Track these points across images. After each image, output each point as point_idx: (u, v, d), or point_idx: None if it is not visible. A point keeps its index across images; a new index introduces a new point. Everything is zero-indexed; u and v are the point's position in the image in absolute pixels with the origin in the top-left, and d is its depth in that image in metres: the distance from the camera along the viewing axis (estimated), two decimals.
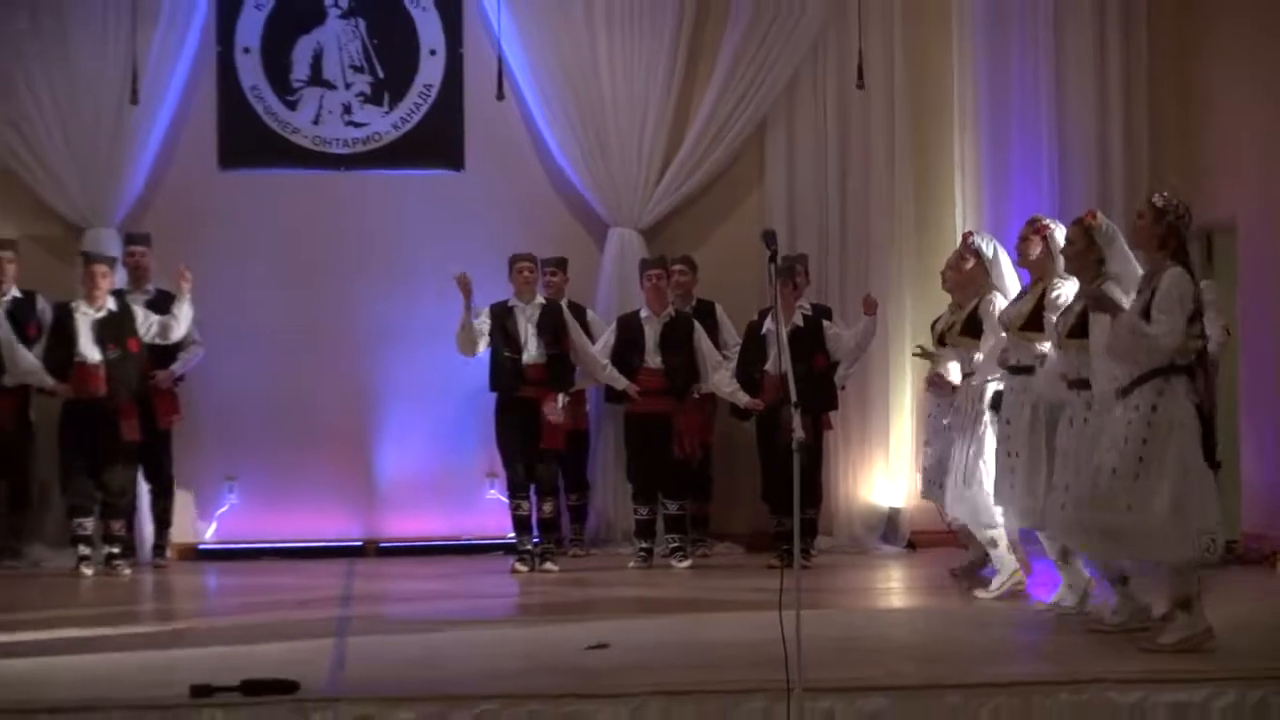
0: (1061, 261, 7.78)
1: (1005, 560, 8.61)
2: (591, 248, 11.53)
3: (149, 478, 10.75)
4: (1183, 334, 6.65)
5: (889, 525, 11.42)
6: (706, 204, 11.67)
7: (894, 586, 9.92)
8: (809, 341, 10.17)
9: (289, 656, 6.76)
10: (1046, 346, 7.78)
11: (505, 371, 10.20)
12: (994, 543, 8.62)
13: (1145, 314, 6.71)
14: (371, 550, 11.24)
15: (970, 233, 9.24)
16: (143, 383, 10.41)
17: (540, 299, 10.38)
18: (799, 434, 5.71)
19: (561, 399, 10.26)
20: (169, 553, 10.90)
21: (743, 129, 11.54)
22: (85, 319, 10.25)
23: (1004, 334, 8.17)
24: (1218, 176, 10.94)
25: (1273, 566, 9.72)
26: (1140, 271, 7.11)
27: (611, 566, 10.53)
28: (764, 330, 10.37)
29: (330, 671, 6.47)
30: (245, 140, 11.40)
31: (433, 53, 11.55)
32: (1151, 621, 7.20)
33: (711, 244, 11.50)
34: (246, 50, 11.41)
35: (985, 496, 8.43)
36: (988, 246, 8.78)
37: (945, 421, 9.21)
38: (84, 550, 10.28)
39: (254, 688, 5.88)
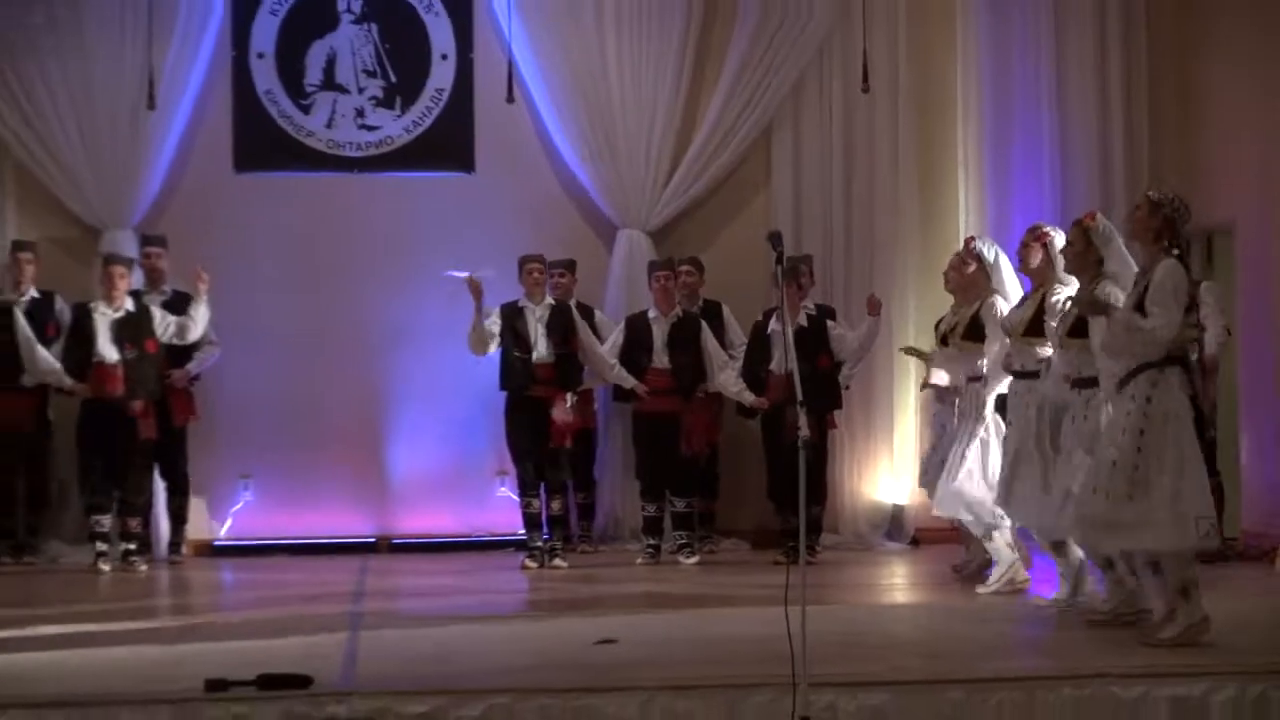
0: (1061, 267, 7.78)
1: (1003, 554, 8.61)
2: (600, 249, 11.53)
3: (165, 476, 10.77)
4: (1179, 325, 6.64)
5: (893, 522, 11.42)
6: (713, 206, 11.67)
7: (898, 582, 9.91)
8: (813, 341, 10.17)
9: (303, 651, 6.76)
10: (1049, 351, 7.78)
11: (515, 371, 10.21)
12: (989, 536, 8.62)
13: (1139, 306, 6.71)
14: (384, 547, 11.25)
15: (972, 237, 9.25)
16: (159, 382, 10.42)
17: (549, 300, 10.38)
18: (804, 433, 5.70)
19: (570, 398, 10.27)
20: (185, 549, 10.92)
21: (749, 132, 11.54)
22: (104, 319, 10.26)
23: (1007, 340, 8.16)
24: (1217, 177, 10.91)
25: (1272, 563, 9.70)
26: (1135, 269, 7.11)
27: (620, 563, 10.52)
28: (769, 330, 10.36)
29: (343, 666, 6.46)
30: (260, 143, 11.42)
31: (444, 57, 11.56)
32: (1143, 609, 7.20)
33: (718, 245, 11.50)
34: (261, 55, 11.43)
35: (976, 493, 8.44)
36: (989, 251, 8.78)
37: (944, 424, 9.22)
38: (101, 547, 10.29)
39: (268, 682, 5.87)
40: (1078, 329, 7.28)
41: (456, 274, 10.14)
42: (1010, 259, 8.65)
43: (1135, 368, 6.71)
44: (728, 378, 10.43)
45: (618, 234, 11.50)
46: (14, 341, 10.22)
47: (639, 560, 10.46)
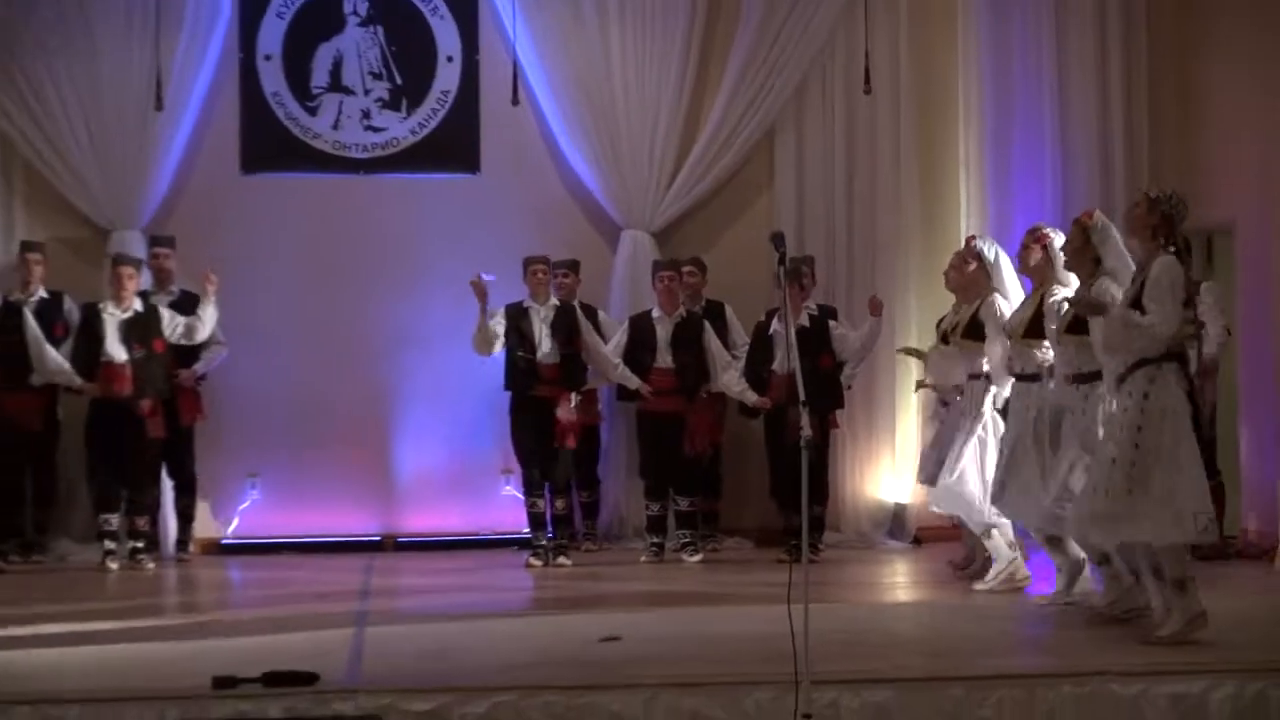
0: (1060, 268, 7.79)
1: (1001, 553, 8.61)
2: (604, 249, 11.53)
3: (172, 474, 10.78)
4: (1178, 320, 6.63)
5: (895, 521, 11.41)
6: (716, 206, 11.67)
7: (899, 581, 9.90)
8: (815, 341, 10.17)
9: (309, 648, 6.76)
10: (1049, 354, 7.79)
11: (520, 371, 10.21)
12: (988, 534, 8.62)
13: (1136, 303, 6.71)
14: (389, 545, 11.25)
15: (973, 236, 9.25)
16: (167, 382, 10.43)
17: (554, 300, 10.39)
18: (807, 432, 5.70)
19: (574, 398, 10.27)
20: (192, 547, 10.93)
21: (753, 133, 11.54)
22: (112, 319, 10.28)
23: (1008, 341, 8.16)
24: (1217, 176, 10.89)
25: (1272, 562, 9.69)
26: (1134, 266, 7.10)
27: (624, 561, 10.52)
28: (771, 330, 10.37)
29: (349, 663, 6.47)
30: (266, 145, 11.43)
31: (450, 59, 11.57)
32: (1137, 607, 7.21)
33: (721, 246, 11.50)
34: (268, 57, 11.44)
35: (972, 491, 8.44)
36: (989, 250, 8.78)
37: (943, 421, 9.23)
38: (109, 545, 10.30)
39: (275, 679, 5.88)
40: (1076, 325, 7.28)
41: (488, 277, 10.14)
42: (1011, 259, 8.65)
43: (1133, 364, 6.71)
44: (730, 378, 10.43)
45: (621, 234, 11.50)
46: (23, 341, 10.23)
47: (643, 558, 10.47)
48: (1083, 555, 7.89)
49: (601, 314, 11.10)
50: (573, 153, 11.50)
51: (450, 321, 10.70)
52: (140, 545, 10.33)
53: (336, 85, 11.50)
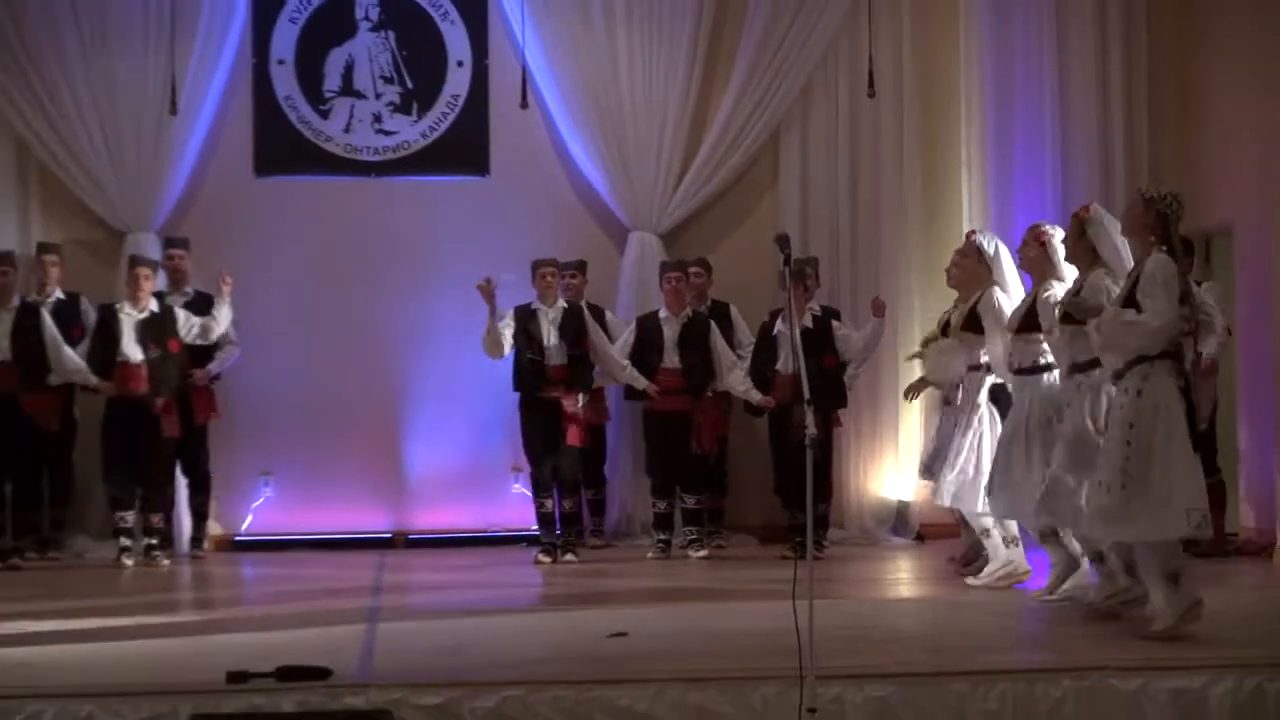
0: (1059, 264, 7.79)
1: (999, 551, 8.60)
2: (612, 251, 11.53)
3: (186, 472, 10.79)
4: (1173, 316, 6.62)
5: (898, 518, 11.41)
6: (722, 208, 11.67)
7: (903, 577, 9.90)
8: (819, 341, 10.16)
9: (321, 644, 6.77)
10: (1047, 351, 7.79)
11: (528, 373, 10.22)
12: (987, 533, 8.62)
13: (1130, 301, 6.71)
14: (401, 542, 11.26)
15: (973, 231, 9.26)
16: (182, 381, 10.45)
17: (562, 302, 10.40)
18: (812, 431, 5.70)
19: (581, 398, 10.29)
20: (206, 544, 10.94)
21: (758, 135, 11.54)
22: (129, 320, 10.30)
23: (1009, 336, 8.16)
24: (1217, 177, 10.86)
25: (1270, 559, 9.69)
26: (1131, 262, 7.10)
27: (631, 558, 10.53)
28: (775, 331, 10.37)
29: (361, 658, 6.48)
30: (280, 148, 11.44)
31: (460, 64, 11.57)
32: (1129, 600, 7.22)
33: (726, 247, 11.50)
34: (281, 62, 11.45)
35: (976, 486, 8.45)
36: (989, 244, 8.78)
37: (940, 415, 9.24)
38: (125, 542, 10.32)
39: (288, 674, 5.89)
40: (1071, 315, 7.30)
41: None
42: (1013, 255, 8.64)
43: (1129, 361, 6.71)
44: (735, 377, 10.44)
45: (629, 236, 11.51)
46: (41, 342, 10.24)
47: (650, 555, 10.47)
48: (1079, 552, 7.87)
49: (609, 314, 11.10)
50: (581, 155, 11.50)
51: (461, 321, 10.71)
52: (155, 542, 10.35)
53: (348, 89, 11.51)
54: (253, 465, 11.25)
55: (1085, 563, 7.92)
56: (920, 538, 11.24)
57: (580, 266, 10.91)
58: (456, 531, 11.26)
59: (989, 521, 8.58)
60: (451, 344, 11.03)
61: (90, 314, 10.63)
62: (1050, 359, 7.85)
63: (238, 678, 5.85)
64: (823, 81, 11.60)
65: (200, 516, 10.90)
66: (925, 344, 10.07)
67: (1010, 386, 8.40)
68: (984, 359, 8.63)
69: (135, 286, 10.31)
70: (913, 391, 10.04)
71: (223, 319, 10.54)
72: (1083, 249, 7.40)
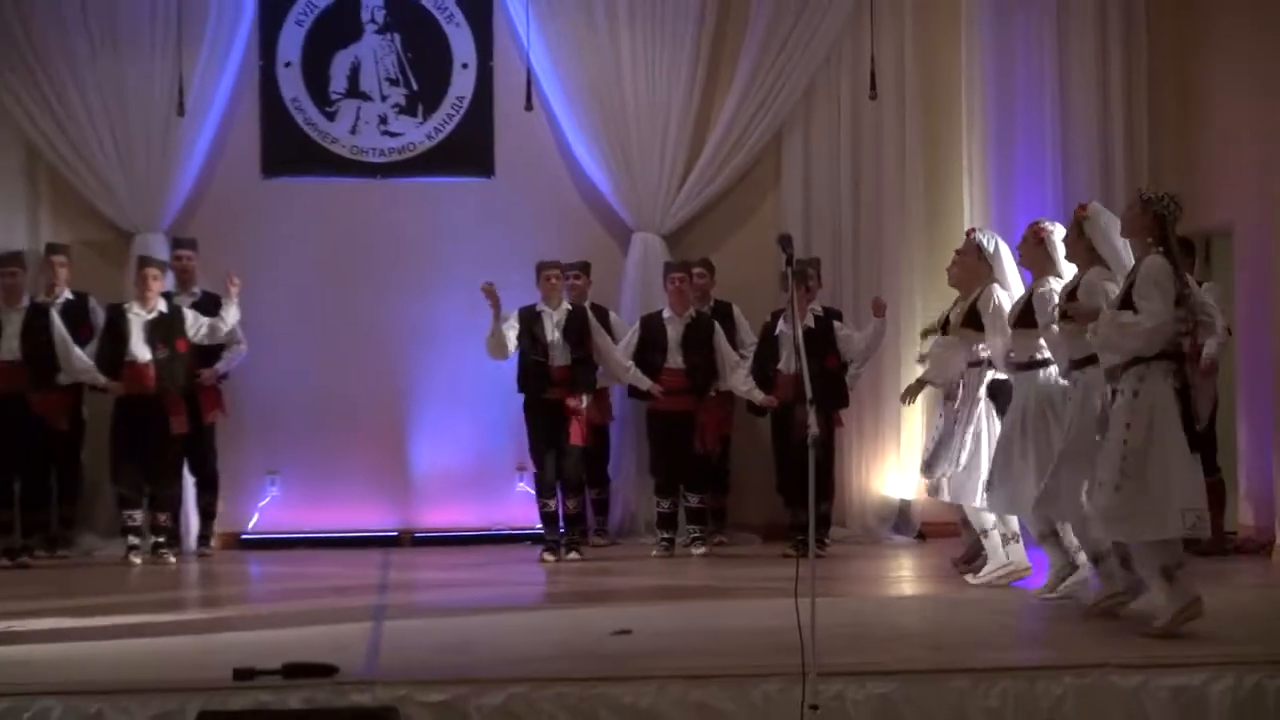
0: (1058, 260, 7.79)
1: (997, 550, 8.59)
2: (616, 251, 11.54)
3: (194, 471, 10.80)
4: (1168, 317, 6.60)
5: (900, 516, 11.41)
6: (725, 209, 11.66)
7: (904, 575, 9.89)
8: (821, 342, 10.15)
9: (328, 641, 6.77)
10: (1043, 343, 7.79)
11: (532, 374, 10.23)
12: (986, 533, 8.62)
13: (1126, 302, 6.71)
14: (406, 540, 11.26)
15: (973, 229, 9.25)
16: (189, 380, 10.46)
17: (566, 304, 10.40)
18: (814, 430, 5.70)
19: (584, 399, 10.30)
20: (214, 542, 10.95)
21: (761, 136, 11.54)
22: (137, 320, 10.31)
23: (1009, 331, 8.17)
24: (1217, 177, 10.84)
25: (1269, 557, 9.69)
26: (1130, 262, 7.10)
27: (634, 556, 10.53)
28: (777, 331, 10.37)
29: (367, 656, 6.48)
30: (286, 150, 11.45)
31: (465, 66, 11.58)
32: (1121, 594, 7.23)
33: (729, 248, 11.50)
34: (287, 64, 11.46)
35: (978, 482, 8.45)
36: (989, 242, 8.77)
37: (941, 413, 9.24)
38: (133, 540, 10.34)
39: (294, 671, 5.89)
40: (1067, 313, 7.31)
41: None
42: (1013, 252, 8.64)
43: (1126, 362, 6.71)
44: (738, 377, 10.44)
45: (633, 237, 11.51)
46: (50, 342, 10.26)
47: (653, 553, 10.47)
48: (1076, 547, 7.86)
49: (613, 315, 11.10)
50: (585, 156, 11.51)
51: (465, 321, 10.71)
52: (162, 540, 10.37)
53: (354, 91, 11.52)
54: (259, 464, 11.26)
55: (1084, 563, 7.90)
56: (922, 536, 11.24)
57: (584, 268, 10.91)
58: (462, 530, 11.26)
59: (989, 522, 8.58)
60: (457, 344, 11.04)
61: (98, 314, 10.64)
62: (1047, 354, 7.85)
63: (244, 675, 5.85)
64: (825, 83, 11.60)
65: (207, 515, 10.91)
66: (924, 334, 10.07)
67: (1012, 381, 8.40)
68: (984, 355, 8.62)
69: (144, 287, 10.33)
70: (909, 395, 10.04)
71: (230, 319, 10.56)
72: (1081, 248, 7.41)
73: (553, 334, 10.26)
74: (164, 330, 10.32)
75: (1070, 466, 7.32)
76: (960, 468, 8.63)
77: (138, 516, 10.36)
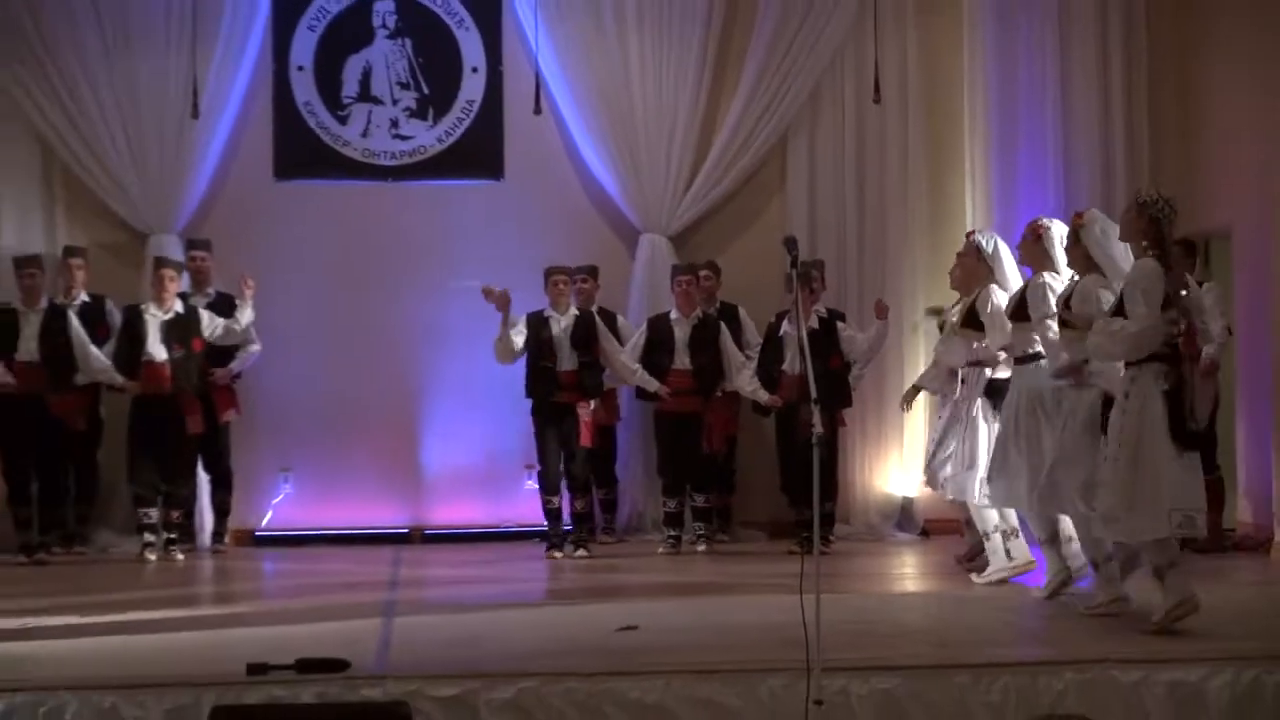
0: (1056, 257, 7.79)
1: (999, 552, 8.57)
2: (623, 253, 11.54)
3: (208, 469, 10.82)
4: (1154, 321, 6.59)
5: (903, 514, 11.41)
6: (730, 212, 11.66)
7: (908, 572, 9.89)
8: (824, 343, 10.14)
9: (340, 636, 6.78)
10: (1049, 335, 7.78)
11: (540, 379, 10.24)
12: (988, 535, 8.60)
13: (1121, 308, 6.72)
14: (417, 537, 11.27)
15: (973, 231, 9.25)
16: (203, 379, 10.47)
17: (574, 310, 10.41)
18: (819, 429, 5.70)
19: (592, 404, 10.31)
20: (227, 539, 10.96)
21: (766, 139, 11.53)
22: (154, 320, 10.33)
23: (1009, 327, 8.17)
24: (1217, 178, 10.81)
25: (1267, 554, 9.68)
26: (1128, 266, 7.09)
27: (641, 553, 10.52)
28: (781, 332, 10.37)
29: (378, 651, 6.49)
30: (299, 152, 11.46)
31: (474, 70, 11.59)
32: (1122, 597, 7.23)
33: (734, 250, 11.49)
34: (300, 68, 11.47)
35: (977, 478, 8.45)
36: (988, 243, 8.75)
37: (943, 413, 9.25)
38: (149, 537, 10.35)
39: (307, 666, 5.91)
40: (1066, 320, 7.30)
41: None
42: (1013, 251, 8.63)
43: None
44: (744, 378, 10.44)
45: (640, 238, 11.51)
46: (68, 343, 10.27)
47: (660, 549, 10.48)
48: (1077, 558, 7.84)
49: (620, 318, 11.10)
50: (593, 159, 11.51)
51: (475, 322, 10.70)
52: (174, 537, 10.39)
53: (366, 95, 11.53)
54: (273, 462, 11.27)
55: (1079, 568, 7.87)
56: (925, 533, 11.24)
57: (592, 271, 10.91)
58: (471, 527, 11.27)
59: (991, 524, 8.55)
60: (466, 344, 11.04)
61: (115, 316, 10.65)
62: (1039, 348, 7.84)
63: (258, 670, 5.86)
64: (829, 87, 11.59)
65: (221, 512, 10.93)
66: (929, 312, 10.08)
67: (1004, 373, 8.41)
68: (984, 354, 8.62)
69: (160, 288, 10.34)
70: (907, 402, 10.05)
71: (245, 320, 10.57)
72: (1078, 255, 7.41)
73: (560, 339, 10.27)
74: (180, 330, 10.34)
75: (1066, 466, 7.33)
76: (959, 463, 8.63)
77: (153, 514, 10.37)
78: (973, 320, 8.61)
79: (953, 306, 9.37)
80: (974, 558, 9.21)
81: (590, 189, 11.60)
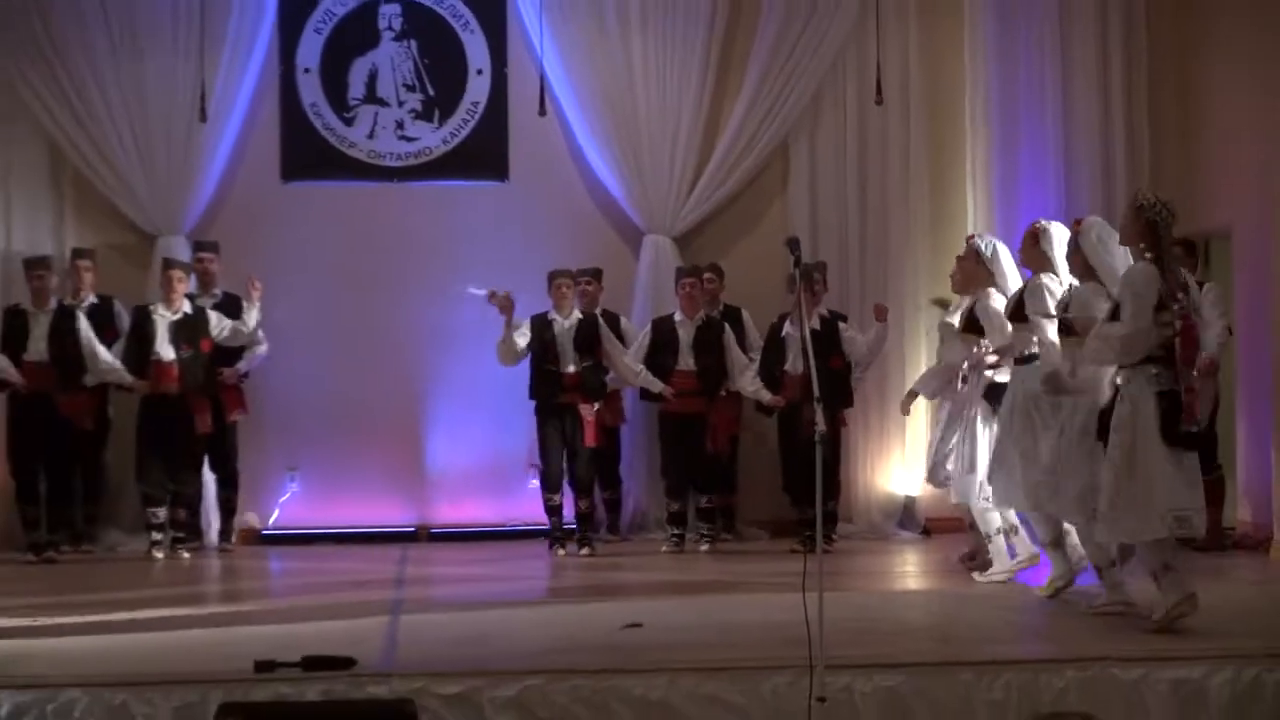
0: (1055, 258, 7.78)
1: (1002, 553, 8.57)
2: (627, 254, 11.54)
3: (215, 468, 10.82)
4: (1145, 324, 6.58)
5: (905, 512, 11.40)
6: (733, 213, 11.66)
7: (910, 570, 9.89)
8: (826, 343, 10.13)
9: (346, 634, 6.79)
10: (1047, 334, 7.78)
11: (544, 381, 10.24)
12: (990, 537, 8.59)
13: (1117, 312, 6.72)
14: (423, 536, 11.27)
15: (972, 235, 9.25)
16: (210, 379, 10.48)
17: (577, 313, 10.41)
18: (821, 428, 5.70)
19: (595, 406, 10.32)
20: (234, 538, 10.96)
21: (769, 141, 11.53)
22: (163, 321, 10.34)
23: (1008, 328, 8.16)
24: (1217, 178, 10.79)
25: (1266, 553, 9.67)
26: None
27: (645, 552, 10.52)
28: (784, 333, 10.37)
29: (384, 649, 6.49)
30: (305, 154, 11.46)
31: (479, 72, 11.59)
32: (1127, 601, 7.21)
33: (737, 252, 11.48)
34: (306, 70, 11.47)
35: (977, 479, 8.44)
36: (986, 246, 8.73)
37: (943, 413, 9.24)
38: (156, 536, 10.35)
39: (313, 663, 5.91)
40: (1066, 327, 7.30)
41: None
42: (1014, 254, 8.62)
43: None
44: (747, 379, 10.44)
45: (644, 240, 11.51)
46: (77, 344, 10.27)
47: (664, 548, 10.47)
48: (1076, 549, 7.83)
49: (624, 320, 11.09)
50: (597, 161, 11.51)
51: (480, 322, 10.69)
52: (181, 535, 10.41)
53: (372, 97, 11.53)
54: (279, 461, 11.27)
55: (1083, 559, 7.87)
56: (927, 532, 11.23)
57: (596, 274, 10.90)
58: (477, 526, 11.27)
59: (994, 526, 8.54)
60: (471, 345, 11.03)
61: (123, 317, 10.68)
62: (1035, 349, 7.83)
63: (265, 667, 5.87)
64: (832, 88, 11.58)
65: (228, 511, 10.92)
66: (934, 302, 10.07)
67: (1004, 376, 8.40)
68: (986, 357, 8.61)
69: (169, 289, 10.36)
70: (905, 406, 10.06)
71: (252, 321, 10.58)
72: (1077, 261, 7.40)
73: (564, 342, 10.27)
74: (189, 331, 10.35)
75: (1064, 474, 7.33)
76: (962, 469, 8.61)
77: (161, 514, 10.38)
78: (973, 324, 8.60)
79: (953, 310, 9.36)
80: (975, 556, 9.20)
81: (594, 190, 11.60)
